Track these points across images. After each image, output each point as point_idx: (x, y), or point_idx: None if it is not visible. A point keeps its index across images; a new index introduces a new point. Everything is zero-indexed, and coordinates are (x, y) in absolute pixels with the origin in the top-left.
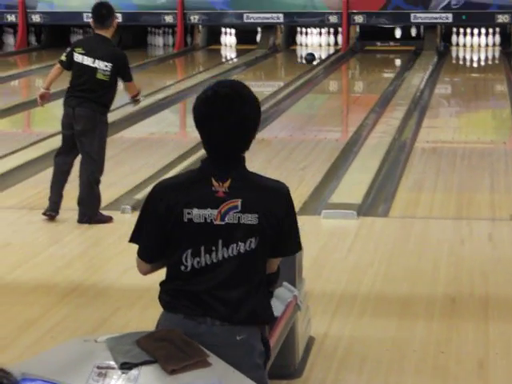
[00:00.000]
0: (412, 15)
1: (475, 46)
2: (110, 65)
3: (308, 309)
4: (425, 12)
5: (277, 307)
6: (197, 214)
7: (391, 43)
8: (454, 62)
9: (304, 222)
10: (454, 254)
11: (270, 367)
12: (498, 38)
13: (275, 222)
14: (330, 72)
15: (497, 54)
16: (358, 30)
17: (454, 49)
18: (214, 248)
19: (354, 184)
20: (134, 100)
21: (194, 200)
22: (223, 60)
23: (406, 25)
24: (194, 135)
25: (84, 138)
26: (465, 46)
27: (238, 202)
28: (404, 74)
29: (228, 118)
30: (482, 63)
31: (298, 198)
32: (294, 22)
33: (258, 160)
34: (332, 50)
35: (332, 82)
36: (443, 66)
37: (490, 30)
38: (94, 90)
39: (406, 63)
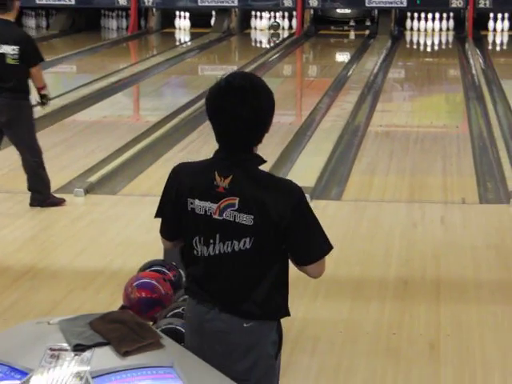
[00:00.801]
0: (367, 0)
1: (429, 30)
2: (16, 48)
3: None
4: None
5: None
6: (198, 205)
7: (345, 27)
8: (407, 46)
9: None
10: (407, 237)
11: None
12: (451, 23)
13: (273, 226)
14: (284, 56)
15: (450, 39)
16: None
17: (408, 33)
18: (212, 241)
19: (308, 167)
20: (42, 98)
21: (197, 191)
22: (177, 43)
23: (360, 9)
24: (147, 119)
25: (11, 130)
26: (419, 30)
27: (236, 201)
28: (358, 58)
29: (241, 109)
30: (436, 48)
31: None
32: (249, 6)
33: (212, 143)
34: (286, 34)
35: (286, 66)
36: (397, 50)
37: (444, 15)
38: (8, 78)
39: (360, 47)
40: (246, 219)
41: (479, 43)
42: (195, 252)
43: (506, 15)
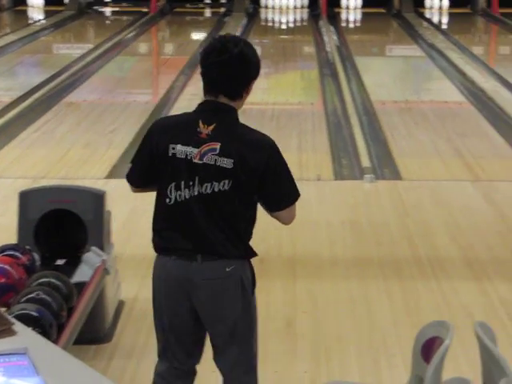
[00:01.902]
0: None
1: (284, 7)
2: None
3: (117, 273)
4: None
5: (85, 272)
6: (180, 149)
7: (200, 5)
8: (262, 23)
9: (114, 186)
10: (261, 214)
11: (78, 332)
12: (306, 0)
13: (250, 171)
14: (139, 34)
15: (305, 16)
16: None
17: (263, 10)
18: (191, 183)
19: None
20: None
21: (179, 137)
22: (30, 22)
23: None
24: (0, 99)
25: None
26: (273, 7)
27: (217, 146)
28: (214, 35)
29: (225, 54)
30: (291, 25)
31: (108, 162)
32: None
33: (67, 123)
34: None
35: (142, 45)
36: (252, 27)
37: None
38: None
39: (215, 25)
40: (226, 163)
41: (333, 20)
42: (168, 201)
43: None
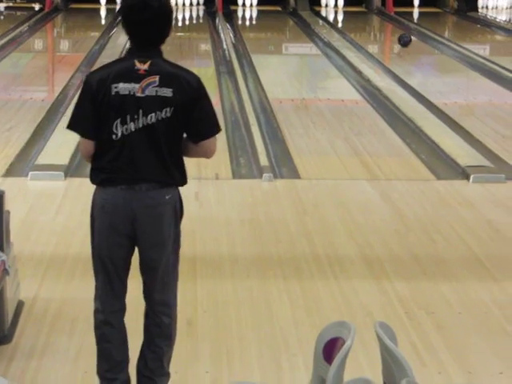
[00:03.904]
0: None
1: (180, 5)
2: None
3: (17, 272)
4: None
5: None
6: (122, 87)
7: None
8: None
9: (10, 184)
10: None
11: None
12: None
13: (187, 99)
14: (34, 31)
15: (201, 14)
16: None
17: None
18: (136, 116)
19: (61, 145)
20: None
21: (120, 76)
22: None
23: None
24: None
25: None
26: None
27: (157, 78)
28: (110, 32)
29: (145, 9)
30: (187, 22)
31: (4, 160)
32: None
33: None
34: (37, 8)
35: (37, 41)
36: None
37: None
38: None
39: (111, 22)
40: (166, 92)
41: (229, 18)
42: (114, 137)
43: None
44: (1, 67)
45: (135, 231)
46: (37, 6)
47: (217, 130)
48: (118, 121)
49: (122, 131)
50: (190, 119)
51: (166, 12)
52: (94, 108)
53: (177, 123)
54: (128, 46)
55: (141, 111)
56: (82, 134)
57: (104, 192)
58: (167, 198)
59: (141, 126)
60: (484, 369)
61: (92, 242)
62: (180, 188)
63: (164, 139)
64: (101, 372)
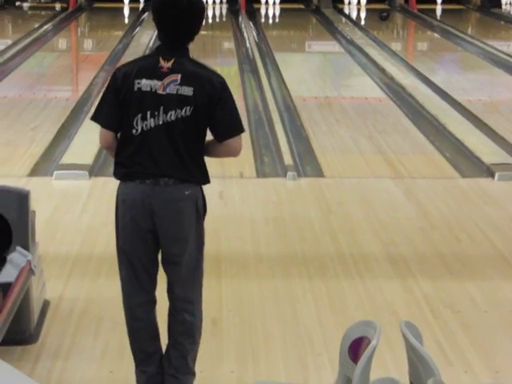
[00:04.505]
0: None
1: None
2: None
3: (42, 272)
4: None
5: (10, 273)
6: (145, 83)
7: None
8: None
9: (36, 184)
10: None
11: (5, 333)
12: None
13: (207, 99)
14: (59, 30)
15: (224, 12)
16: None
17: None
18: (156, 113)
19: (86, 144)
20: None
21: (143, 72)
22: None
23: None
24: None
25: None
26: None
27: (178, 77)
28: (133, 31)
29: (179, 5)
30: (210, 21)
31: (29, 160)
32: None
33: None
34: (59, 8)
35: (61, 40)
36: None
37: None
38: None
39: (135, 21)
40: (187, 91)
41: (252, 16)
42: (134, 132)
43: None
44: (25, 67)
45: (155, 226)
46: (58, 6)
47: (242, 128)
48: (139, 116)
49: (142, 127)
50: (214, 119)
51: (196, 9)
52: (118, 101)
53: (197, 122)
54: (156, 43)
55: (161, 108)
56: (102, 124)
57: (125, 186)
58: (186, 193)
59: (160, 122)
60: (511, 368)
61: (116, 236)
62: (204, 187)
63: (183, 137)
64: (135, 363)
